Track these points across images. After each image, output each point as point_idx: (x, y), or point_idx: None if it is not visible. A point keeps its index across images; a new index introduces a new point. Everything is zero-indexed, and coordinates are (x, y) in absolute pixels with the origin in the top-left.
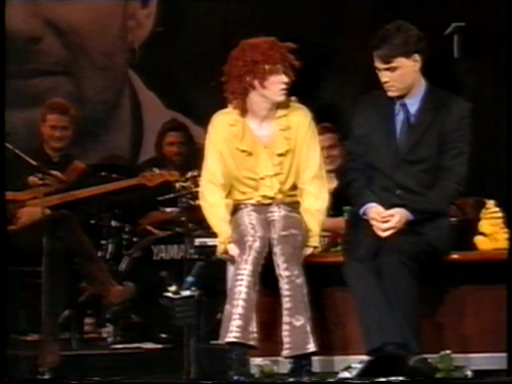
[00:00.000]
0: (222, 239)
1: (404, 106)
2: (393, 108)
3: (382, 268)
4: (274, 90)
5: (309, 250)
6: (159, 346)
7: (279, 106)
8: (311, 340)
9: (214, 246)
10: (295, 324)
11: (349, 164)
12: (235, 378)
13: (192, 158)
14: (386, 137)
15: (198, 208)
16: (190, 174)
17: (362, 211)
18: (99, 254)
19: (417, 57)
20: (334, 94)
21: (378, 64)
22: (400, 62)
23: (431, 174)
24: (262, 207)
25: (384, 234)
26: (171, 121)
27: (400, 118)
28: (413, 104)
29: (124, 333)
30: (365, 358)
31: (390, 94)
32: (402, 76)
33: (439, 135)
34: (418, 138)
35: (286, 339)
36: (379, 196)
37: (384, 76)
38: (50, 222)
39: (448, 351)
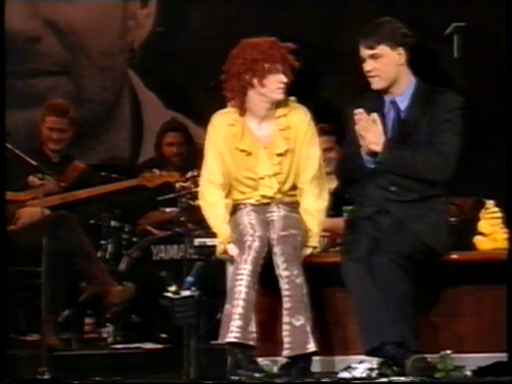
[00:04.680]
0: (222, 239)
1: (394, 103)
2: (383, 107)
3: (375, 268)
4: (272, 88)
5: (308, 250)
6: (159, 346)
7: (278, 105)
8: (311, 340)
9: (214, 246)
10: (295, 324)
11: (343, 165)
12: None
13: (192, 158)
14: None
15: (198, 208)
16: (189, 174)
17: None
18: (99, 254)
19: (401, 50)
20: (333, 94)
21: (363, 52)
22: (384, 50)
23: None
24: (261, 207)
25: None
26: (171, 121)
27: (391, 115)
28: (403, 101)
29: (124, 333)
30: (364, 358)
31: (374, 85)
32: (385, 66)
33: (428, 127)
34: (408, 132)
35: (285, 339)
36: (375, 195)
37: (368, 65)
38: (49, 223)
39: (448, 351)
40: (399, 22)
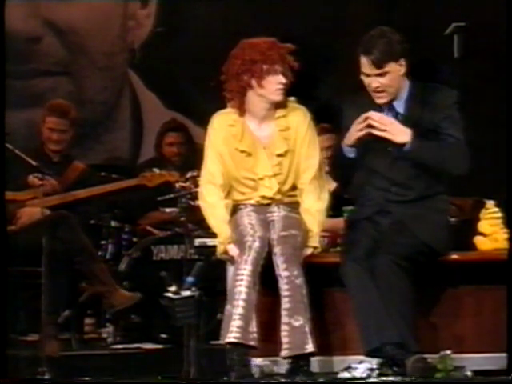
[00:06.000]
0: (222, 239)
1: (392, 108)
2: (381, 111)
3: (375, 268)
4: (271, 89)
5: (309, 251)
6: (159, 346)
7: (278, 106)
8: (310, 340)
9: (214, 247)
10: (294, 324)
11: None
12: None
13: (192, 158)
14: (375, 138)
15: (198, 208)
16: (189, 175)
17: None
18: (99, 254)
19: (402, 61)
20: (333, 94)
21: (369, 70)
22: (391, 66)
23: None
24: (261, 207)
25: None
26: (171, 121)
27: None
28: (400, 104)
29: (124, 333)
30: (364, 358)
31: (380, 100)
32: (392, 81)
33: (429, 127)
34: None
35: (284, 339)
36: (375, 195)
37: (374, 81)
38: (49, 222)
39: (448, 351)
40: (392, 30)
